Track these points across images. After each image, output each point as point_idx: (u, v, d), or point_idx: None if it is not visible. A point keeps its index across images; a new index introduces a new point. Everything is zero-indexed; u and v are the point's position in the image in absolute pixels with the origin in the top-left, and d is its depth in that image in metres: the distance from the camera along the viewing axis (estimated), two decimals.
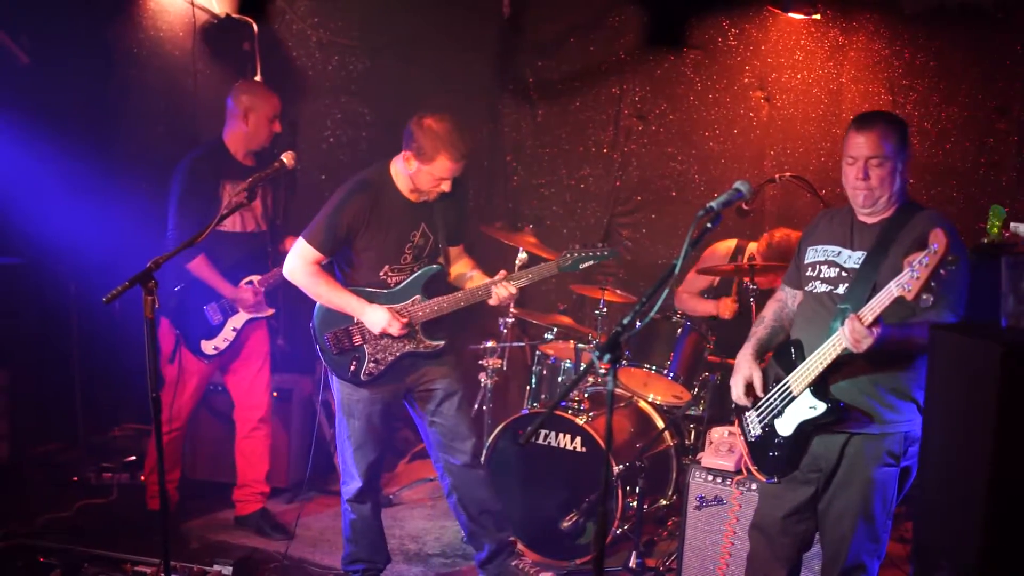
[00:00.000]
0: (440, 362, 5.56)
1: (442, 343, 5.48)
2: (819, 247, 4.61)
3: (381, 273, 5.33)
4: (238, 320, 6.35)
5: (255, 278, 6.31)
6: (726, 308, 6.82)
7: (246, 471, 6.64)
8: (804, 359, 4.42)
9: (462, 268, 5.66)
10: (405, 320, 5.30)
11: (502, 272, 5.39)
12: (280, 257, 6.26)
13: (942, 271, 3.90)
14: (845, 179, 4.50)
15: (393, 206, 5.30)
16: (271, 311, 6.47)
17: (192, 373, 6.36)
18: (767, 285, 6.57)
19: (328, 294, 5.32)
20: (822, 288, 4.51)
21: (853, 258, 4.45)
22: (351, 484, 5.56)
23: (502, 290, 5.33)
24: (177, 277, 6.14)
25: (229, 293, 6.24)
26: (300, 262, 5.31)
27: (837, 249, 4.53)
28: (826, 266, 4.53)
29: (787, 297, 4.82)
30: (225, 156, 6.27)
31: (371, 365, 5.37)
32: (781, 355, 4.59)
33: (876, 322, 4.06)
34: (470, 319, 7.66)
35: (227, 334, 6.34)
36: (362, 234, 5.27)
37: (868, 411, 4.37)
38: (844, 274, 4.45)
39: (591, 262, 5.39)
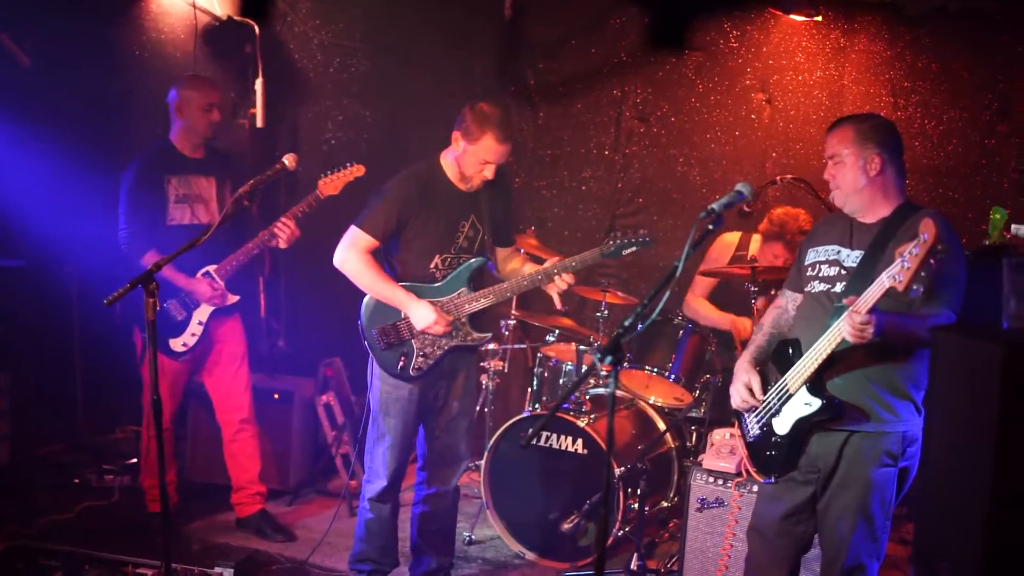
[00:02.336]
0: (471, 377, 5.66)
1: (489, 335, 5.57)
2: (820, 247, 4.64)
3: (431, 264, 5.37)
4: (202, 313, 6.30)
5: (211, 268, 6.27)
6: (744, 329, 6.78)
7: (238, 474, 6.62)
8: (801, 357, 4.43)
9: (515, 264, 5.72)
10: (449, 318, 5.34)
11: (552, 259, 5.41)
12: (236, 245, 6.23)
13: (932, 261, 3.91)
14: None
15: (443, 193, 5.36)
16: (235, 298, 6.40)
17: (164, 373, 6.28)
18: (769, 264, 6.56)
19: (378, 285, 5.35)
20: (820, 287, 4.54)
21: (852, 257, 4.47)
22: (376, 483, 5.56)
23: (560, 282, 5.36)
24: (129, 274, 6.13)
25: (184, 284, 6.19)
26: (352, 251, 5.34)
27: (837, 248, 4.56)
28: (826, 265, 4.55)
29: (787, 302, 4.83)
30: (170, 153, 6.31)
31: (419, 360, 5.38)
32: (779, 355, 4.61)
33: (871, 312, 4.08)
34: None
35: (194, 329, 6.29)
36: (413, 222, 5.32)
37: (864, 409, 4.38)
38: (843, 272, 4.47)
39: (632, 248, 5.40)
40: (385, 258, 5.46)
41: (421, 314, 5.29)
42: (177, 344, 6.27)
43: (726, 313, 6.97)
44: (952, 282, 4.31)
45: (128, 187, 6.20)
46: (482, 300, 5.39)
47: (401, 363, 5.38)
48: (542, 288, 5.46)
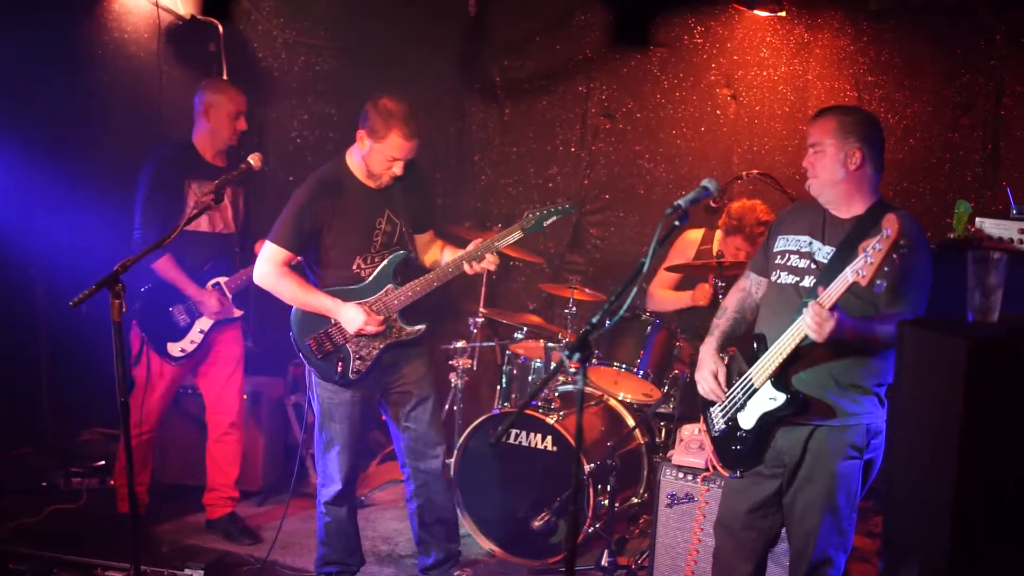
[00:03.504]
0: (416, 365, 5.59)
1: (423, 327, 5.49)
2: (791, 236, 4.64)
3: (354, 266, 5.33)
4: (205, 322, 6.31)
5: (222, 280, 6.28)
6: (702, 295, 6.76)
7: (216, 476, 6.61)
8: (767, 351, 4.46)
9: (435, 253, 5.68)
10: (380, 318, 5.30)
11: (474, 242, 5.39)
12: (250, 259, 6.26)
13: (895, 256, 3.94)
14: None
15: (354, 194, 5.32)
16: (239, 312, 6.42)
17: (160, 375, 6.31)
18: (732, 258, 6.61)
19: (301, 296, 5.31)
20: (788, 279, 4.56)
21: (823, 252, 4.49)
22: (330, 487, 5.55)
23: (485, 263, 5.33)
24: (144, 278, 6.12)
25: (194, 294, 6.20)
26: (269, 265, 5.29)
27: (808, 239, 4.56)
28: (796, 256, 4.56)
29: (751, 285, 4.85)
30: (193, 156, 6.26)
31: (357, 363, 5.36)
32: (744, 348, 4.64)
33: (833, 308, 4.11)
34: (442, 318, 7.66)
35: (194, 336, 6.30)
36: (328, 227, 5.28)
37: (828, 404, 4.42)
38: (813, 266, 4.49)
39: (553, 218, 5.41)
40: (308, 266, 5.43)
41: (351, 316, 5.27)
42: (175, 349, 6.27)
43: (683, 292, 6.98)
44: (917, 283, 4.34)
45: (147, 187, 6.14)
46: (409, 293, 5.35)
47: (339, 369, 5.36)
48: (468, 271, 5.39)
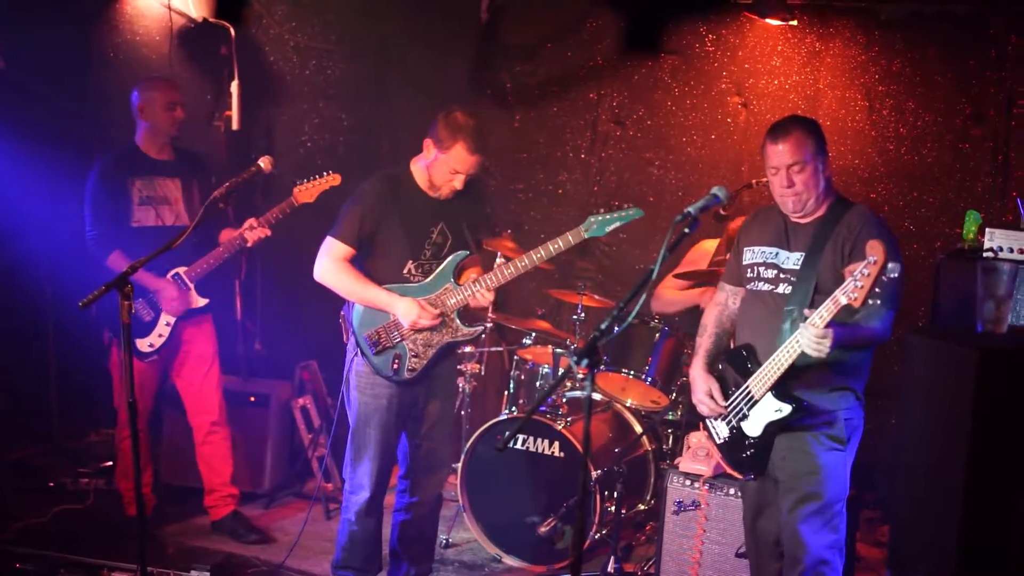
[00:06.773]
0: (447, 380, 5.64)
1: (480, 329, 5.52)
2: (755, 248, 4.75)
3: (404, 270, 5.35)
4: (170, 315, 6.30)
5: (181, 270, 6.25)
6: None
7: (210, 477, 6.61)
8: (758, 362, 4.53)
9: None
10: (436, 311, 5.31)
11: (499, 253, 5.42)
12: (209, 248, 6.22)
13: (884, 278, 4.02)
14: (772, 189, 4.66)
15: (412, 199, 5.34)
16: (204, 302, 6.36)
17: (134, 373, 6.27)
18: None
19: (359, 290, 5.33)
20: (763, 287, 4.66)
21: (791, 259, 4.58)
22: (360, 494, 5.52)
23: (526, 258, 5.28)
24: (104, 277, 6.10)
25: (152, 284, 6.19)
26: (329, 260, 5.32)
27: (774, 250, 4.66)
28: (764, 267, 4.67)
29: (727, 296, 4.95)
30: (135, 155, 6.30)
31: (413, 360, 5.37)
32: (735, 361, 4.71)
33: (828, 326, 4.16)
34: None
35: (161, 330, 6.26)
36: (384, 226, 5.30)
37: (811, 403, 4.49)
38: (782, 275, 4.58)
39: (617, 223, 5.26)
40: (361, 265, 5.44)
41: (405, 309, 5.26)
42: (143, 345, 6.24)
43: (692, 291, 6.89)
44: (890, 287, 4.39)
45: (91, 189, 6.20)
46: (468, 292, 5.35)
47: (395, 366, 5.36)
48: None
